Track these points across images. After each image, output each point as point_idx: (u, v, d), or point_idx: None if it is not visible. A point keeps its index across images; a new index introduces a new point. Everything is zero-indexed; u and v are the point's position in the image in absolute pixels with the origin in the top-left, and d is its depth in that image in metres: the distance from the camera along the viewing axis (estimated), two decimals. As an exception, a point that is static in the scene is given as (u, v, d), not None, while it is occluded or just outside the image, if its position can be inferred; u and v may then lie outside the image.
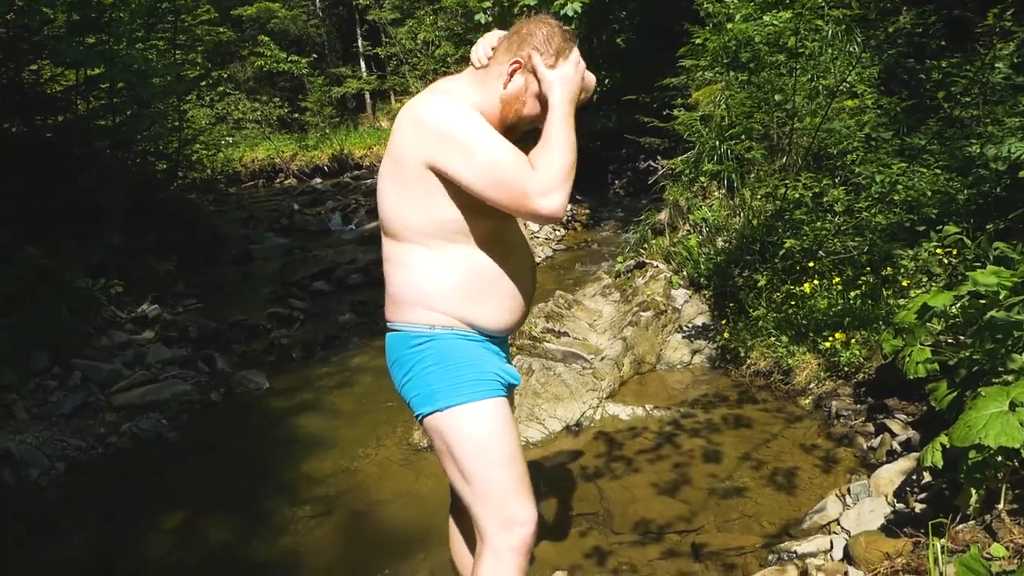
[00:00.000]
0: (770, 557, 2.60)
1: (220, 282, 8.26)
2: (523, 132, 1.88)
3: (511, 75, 1.79)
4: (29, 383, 5.12)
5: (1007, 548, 1.96)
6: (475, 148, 1.66)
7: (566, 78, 1.76)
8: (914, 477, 2.75)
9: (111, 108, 8.64)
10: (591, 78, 1.91)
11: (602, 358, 4.42)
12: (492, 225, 1.81)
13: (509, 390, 1.95)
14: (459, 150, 1.66)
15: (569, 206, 10.46)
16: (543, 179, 1.64)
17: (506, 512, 1.79)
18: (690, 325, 4.91)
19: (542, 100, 1.79)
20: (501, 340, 1.96)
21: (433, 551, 2.93)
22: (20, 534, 3.58)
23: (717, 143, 5.72)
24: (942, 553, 1.97)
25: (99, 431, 4.66)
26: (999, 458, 2.18)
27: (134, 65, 7.94)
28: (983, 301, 2.95)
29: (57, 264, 6.30)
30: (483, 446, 1.80)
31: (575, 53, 1.80)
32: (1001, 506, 2.14)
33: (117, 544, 3.38)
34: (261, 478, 3.89)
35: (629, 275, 5.61)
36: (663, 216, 6.18)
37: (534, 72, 1.77)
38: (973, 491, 2.24)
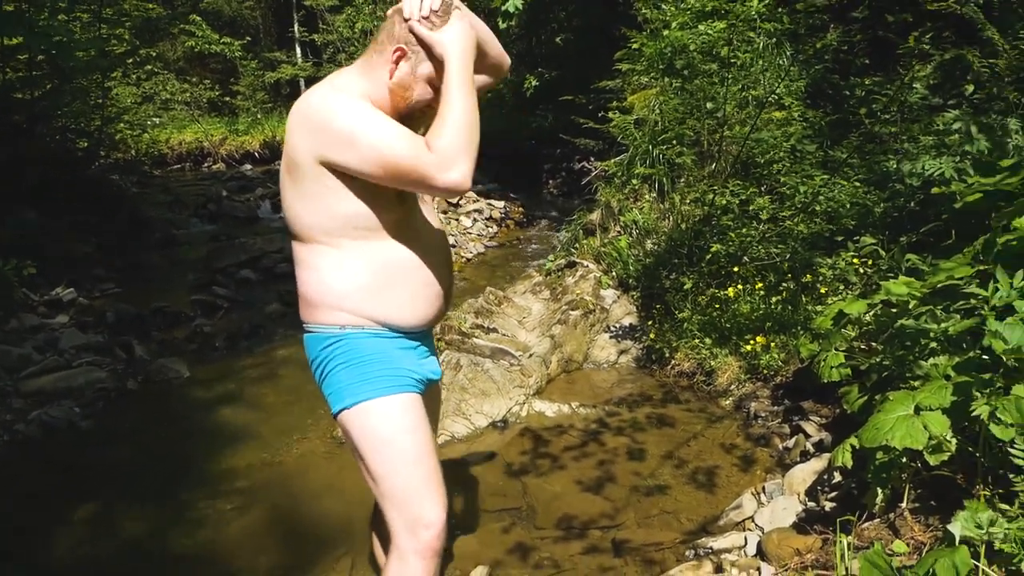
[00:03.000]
0: (687, 553, 2.67)
1: (142, 267, 8.02)
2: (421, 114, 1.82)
3: (396, 62, 1.74)
4: (-70, 366, 4.88)
5: (908, 544, 2.05)
6: (361, 137, 1.62)
7: (456, 35, 1.70)
8: (825, 477, 2.85)
9: (29, 81, 8.28)
10: (493, 39, 1.88)
11: (530, 355, 4.46)
12: (395, 217, 1.78)
13: (428, 386, 1.94)
14: (346, 142, 1.63)
15: (502, 204, 10.51)
16: (440, 154, 1.60)
17: (412, 513, 1.77)
18: (618, 325, 4.99)
19: (432, 83, 1.75)
20: (422, 335, 1.94)
21: (355, 546, 2.90)
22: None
23: (650, 147, 5.82)
24: (848, 549, 2.05)
25: (5, 418, 4.46)
26: (904, 459, 2.29)
27: (55, 36, 7.63)
28: (894, 310, 3.09)
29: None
30: (388, 443, 1.78)
31: (458, 6, 1.74)
32: (904, 504, 2.24)
33: (22, 537, 3.24)
34: (179, 470, 3.79)
35: (559, 274, 5.66)
36: (595, 217, 6.26)
37: (420, 43, 1.71)
38: (879, 490, 2.34)
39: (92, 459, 4.03)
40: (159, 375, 5.10)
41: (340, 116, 1.64)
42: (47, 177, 7.78)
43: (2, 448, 4.16)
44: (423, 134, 1.67)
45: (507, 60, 2.03)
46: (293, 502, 3.37)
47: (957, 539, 1.77)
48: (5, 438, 4.26)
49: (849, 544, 2.06)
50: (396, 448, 1.77)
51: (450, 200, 9.61)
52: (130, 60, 11.66)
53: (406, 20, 1.71)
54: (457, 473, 3.43)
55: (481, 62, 1.88)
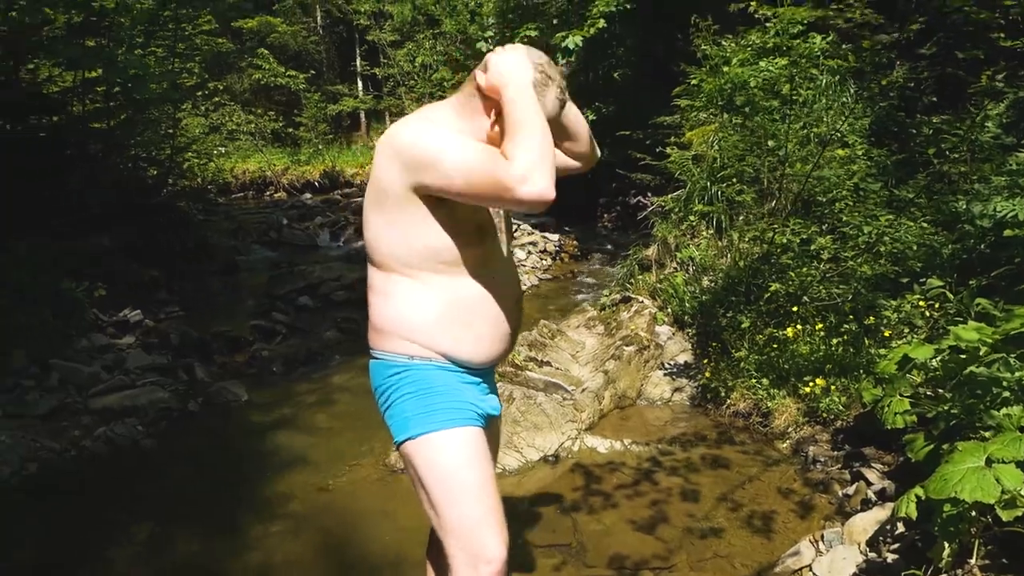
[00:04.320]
0: (743, 599, 2.60)
1: (204, 291, 8.20)
2: None
3: (497, 116, 1.76)
4: (6, 381, 5.05)
5: (978, 603, 1.97)
6: (444, 156, 1.65)
7: (507, 66, 1.72)
8: (888, 527, 2.76)
9: (106, 111, 8.63)
10: (577, 114, 1.92)
11: (583, 390, 4.43)
12: (475, 253, 1.81)
13: (489, 422, 1.95)
14: (432, 163, 1.66)
15: (557, 237, 10.52)
16: (517, 165, 1.60)
17: (473, 547, 1.76)
18: (672, 362, 4.94)
19: None
20: (484, 372, 1.95)
21: (405, 575, 2.90)
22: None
23: (708, 184, 5.79)
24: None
25: (74, 434, 4.60)
26: (973, 513, 2.20)
27: (132, 70, 7.96)
28: (963, 356, 2.99)
29: (42, 263, 6.26)
30: (452, 475, 1.78)
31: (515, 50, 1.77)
32: (974, 561, 2.16)
33: (85, 550, 3.32)
34: (234, 491, 3.85)
35: (614, 309, 5.63)
36: (651, 252, 6.23)
37: (480, 92, 1.75)
38: (946, 544, 2.26)
39: (152, 477, 4.13)
40: (219, 397, 5.21)
41: (425, 140, 1.68)
42: (119, 203, 8.06)
43: (70, 462, 4.29)
44: None
45: (597, 153, 2.09)
46: (345, 529, 3.39)
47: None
48: (73, 453, 4.40)
49: (915, 599, 1.98)
50: (459, 481, 1.78)
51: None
52: (200, 92, 12.08)
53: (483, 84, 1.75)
54: (508, 507, 3.37)
55: (574, 148, 1.99)
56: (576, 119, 1.95)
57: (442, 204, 1.72)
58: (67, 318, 6.07)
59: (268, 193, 18.47)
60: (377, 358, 1.87)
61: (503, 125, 1.73)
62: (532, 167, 1.61)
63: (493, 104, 1.76)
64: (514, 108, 1.68)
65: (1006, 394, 2.48)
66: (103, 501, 3.85)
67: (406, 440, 1.81)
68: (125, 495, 3.92)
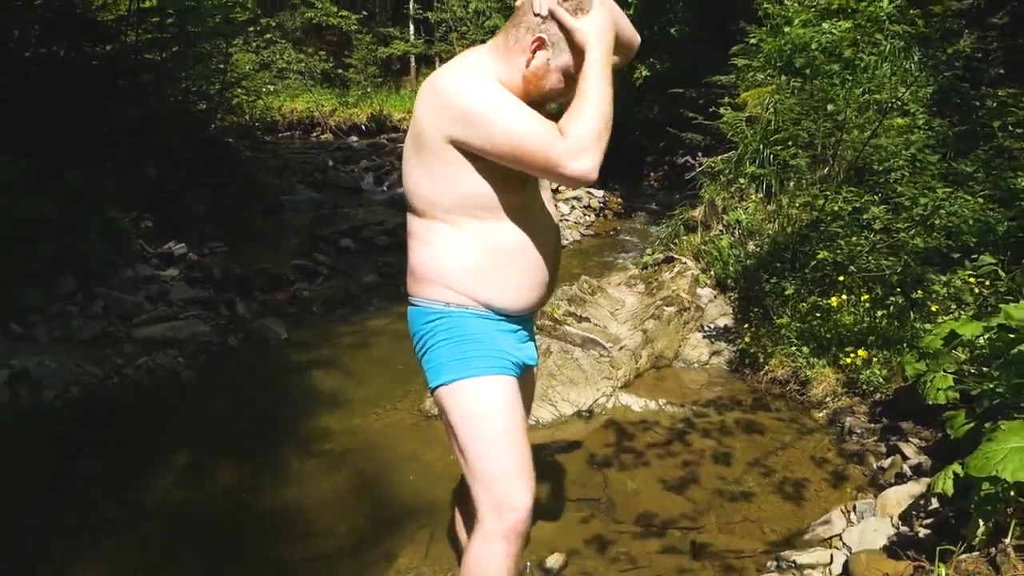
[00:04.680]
0: (769, 564, 2.60)
1: (248, 229, 8.29)
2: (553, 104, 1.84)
3: (534, 52, 1.74)
4: (53, 307, 5.19)
5: (1011, 584, 1.95)
6: (495, 119, 1.63)
7: (599, 25, 1.70)
8: (922, 502, 2.73)
9: (159, 42, 8.66)
10: (627, 23, 1.87)
11: (620, 348, 4.42)
12: (516, 200, 1.79)
13: (524, 371, 1.95)
14: (479, 123, 1.64)
15: (602, 193, 10.42)
16: (572, 141, 1.60)
17: (499, 494, 1.77)
18: (712, 325, 4.90)
19: (566, 73, 1.75)
20: (523, 319, 1.94)
21: (434, 518, 2.95)
22: (30, 452, 3.66)
23: (760, 146, 5.66)
24: (946, 581, 1.97)
25: (116, 361, 4.72)
26: (1012, 492, 2.17)
27: (186, 1, 7.97)
28: (1012, 335, 2.91)
29: (92, 192, 6.36)
30: (482, 422, 1.79)
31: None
32: (1008, 540, 2.13)
33: (125, 473, 3.44)
34: (271, 427, 3.94)
35: (656, 268, 5.59)
36: (697, 213, 6.14)
37: (561, 29, 1.71)
38: (981, 522, 2.23)
39: (192, 409, 4.25)
40: (258, 334, 5.30)
41: (474, 96, 1.65)
42: (168, 135, 8.14)
43: (113, 389, 4.42)
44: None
45: (637, 39, 2.01)
46: (378, 469, 3.46)
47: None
48: (115, 380, 4.53)
49: (946, 575, 1.97)
50: (490, 427, 1.79)
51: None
52: (251, 28, 12.08)
53: (542, 17, 1.71)
54: (539, 459, 3.41)
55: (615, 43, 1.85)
56: (616, 8, 1.86)
57: (480, 155, 1.70)
58: (113, 247, 6.18)
59: (315, 134, 18.55)
60: (415, 304, 1.88)
61: (560, 90, 1.75)
62: (586, 147, 1.60)
63: (539, 45, 1.73)
64: (592, 78, 1.66)
65: (1057, 377, 2.42)
66: (143, 428, 3.97)
67: (440, 385, 1.82)
68: (165, 424, 4.03)
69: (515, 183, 1.77)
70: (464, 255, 1.79)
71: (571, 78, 1.75)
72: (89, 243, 5.91)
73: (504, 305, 1.85)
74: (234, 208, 8.53)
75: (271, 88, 18.06)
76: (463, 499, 2.18)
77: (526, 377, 2.03)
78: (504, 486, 1.78)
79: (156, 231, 6.79)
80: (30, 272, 5.26)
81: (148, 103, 8.12)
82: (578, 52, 1.72)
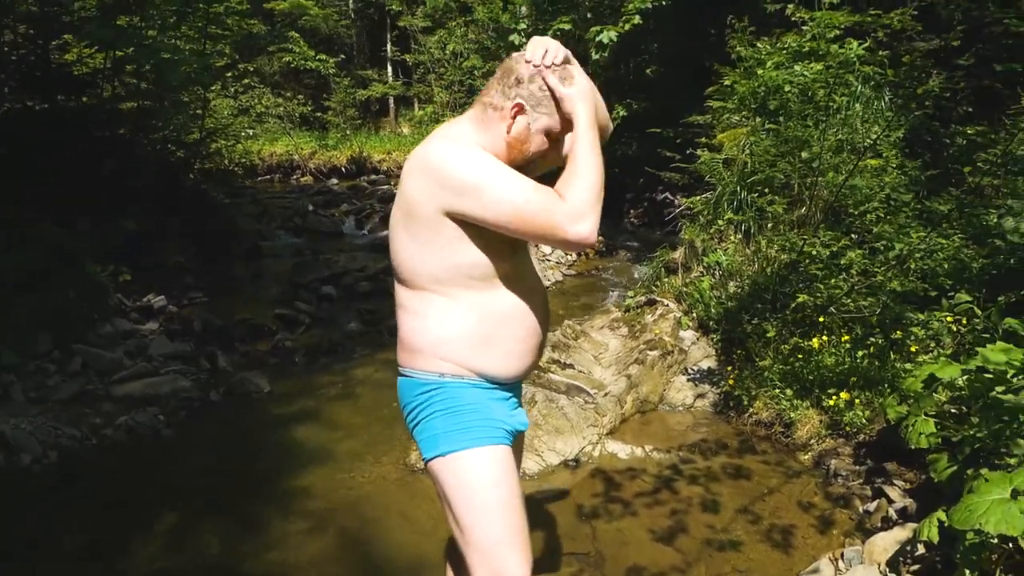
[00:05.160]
0: (760, 618, 2.60)
1: (229, 277, 8.25)
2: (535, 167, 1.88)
3: (514, 117, 1.78)
4: (29, 365, 5.12)
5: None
6: (490, 187, 1.65)
7: (583, 93, 1.76)
8: (908, 548, 2.74)
9: (136, 93, 8.68)
10: (603, 105, 1.92)
11: (605, 394, 4.42)
12: (508, 267, 1.81)
13: (515, 437, 1.95)
14: (472, 193, 1.66)
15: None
16: (571, 206, 1.63)
17: (496, 566, 1.77)
18: (696, 368, 4.92)
19: (549, 134, 1.80)
20: (514, 386, 1.96)
21: (422, 577, 2.92)
22: (6, 519, 3.58)
23: (738, 188, 5.74)
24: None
25: (95, 421, 4.66)
26: (995, 541, 2.19)
27: (163, 52, 8.00)
28: (990, 376, 2.95)
29: (68, 245, 6.32)
30: (479, 494, 1.79)
31: (578, 68, 1.81)
32: (996, 591, 2.14)
33: (104, 541, 3.37)
34: (255, 485, 3.88)
35: (639, 311, 5.62)
36: (677, 255, 6.19)
37: (551, 95, 1.76)
38: (967, 572, 2.24)
39: (173, 468, 4.17)
40: (240, 387, 5.25)
41: (466, 166, 1.68)
42: (146, 186, 8.12)
43: (91, 450, 4.35)
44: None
45: (611, 126, 2.05)
46: (364, 528, 3.42)
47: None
48: (93, 442, 4.46)
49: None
50: (487, 499, 1.79)
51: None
52: (229, 74, 12.13)
53: (535, 66, 1.76)
54: (527, 512, 3.41)
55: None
56: (602, 111, 1.94)
57: (474, 224, 1.72)
58: (91, 302, 6.13)
59: (295, 177, 18.56)
60: (407, 376, 1.88)
61: (538, 140, 1.79)
62: (585, 211, 1.64)
63: (518, 111, 1.77)
64: (583, 145, 1.71)
65: (1036, 423, 2.44)
66: (123, 492, 3.89)
67: (436, 457, 1.82)
68: (146, 486, 3.96)
69: (507, 251, 1.79)
70: (458, 325, 1.80)
71: (554, 139, 1.80)
72: (66, 298, 5.87)
73: (499, 373, 1.86)
74: (214, 257, 8.51)
75: (250, 133, 18.11)
76: (456, 564, 2.16)
77: (516, 442, 2.03)
78: (501, 556, 1.77)
79: (135, 284, 6.74)
80: (5, 330, 5.20)
81: (125, 154, 8.11)
82: (564, 118, 1.77)
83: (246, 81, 18.40)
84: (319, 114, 21.96)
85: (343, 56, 23.21)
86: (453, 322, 1.80)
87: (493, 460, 1.81)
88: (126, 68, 8.44)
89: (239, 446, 4.45)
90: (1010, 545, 2.23)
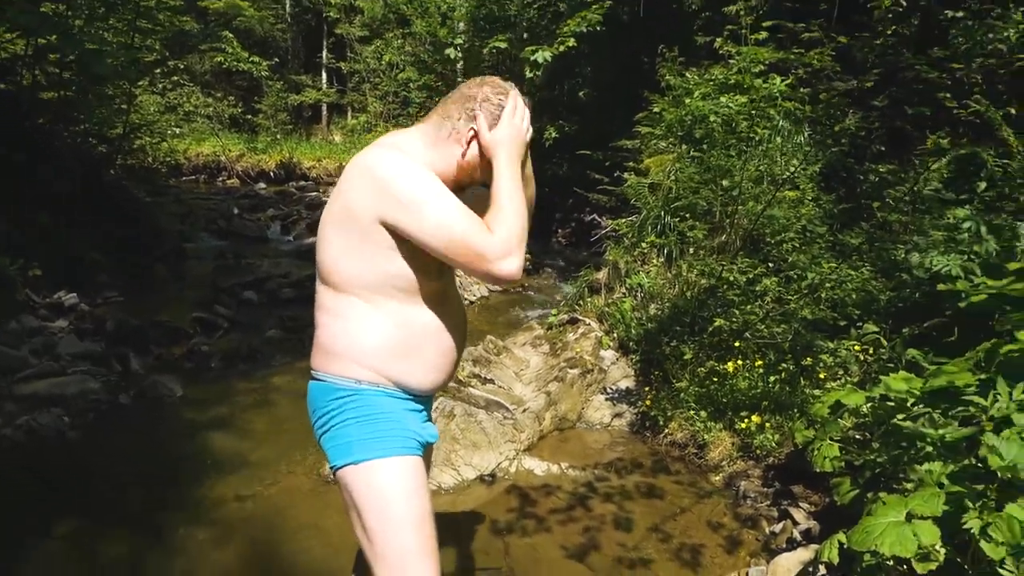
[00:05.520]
0: (665, 635, 2.64)
1: (147, 278, 7.98)
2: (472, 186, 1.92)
3: (469, 143, 1.81)
4: (-74, 361, 4.87)
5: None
6: (429, 210, 1.66)
7: (508, 137, 1.78)
8: (811, 569, 2.83)
9: (58, 83, 8.37)
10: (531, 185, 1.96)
11: (524, 410, 4.45)
12: (436, 285, 1.83)
13: (425, 448, 1.95)
14: (413, 210, 1.67)
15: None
16: (498, 242, 1.65)
17: None
18: (614, 387, 4.99)
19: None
20: (427, 399, 1.97)
21: (331, 591, 2.87)
22: None
23: (662, 212, 5.87)
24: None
25: (-6, 421, 4.45)
26: (891, 562, 2.28)
27: (88, 43, 7.74)
28: (892, 404, 3.09)
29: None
30: (390, 504, 1.77)
31: (513, 99, 1.83)
32: (888, 610, 2.22)
33: (-2, 545, 3.22)
34: (162, 492, 3.76)
35: (561, 329, 5.67)
36: (601, 275, 6.28)
37: (476, 138, 1.81)
38: (864, 593, 2.32)
39: (75, 472, 4.01)
40: (152, 391, 5.09)
41: (411, 183, 1.68)
42: (63, 179, 7.82)
43: (-13, 451, 4.14)
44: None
45: (533, 202, 2.07)
46: (273, 539, 3.34)
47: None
48: (-9, 441, 4.25)
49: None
50: (398, 510, 1.77)
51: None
52: (158, 70, 11.83)
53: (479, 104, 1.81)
54: (441, 525, 3.38)
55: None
56: (528, 174, 1.97)
57: (407, 239, 1.73)
58: (-2, 297, 5.87)
59: (221, 179, 18.18)
60: (321, 380, 1.85)
61: (489, 176, 1.78)
62: (512, 246, 1.66)
63: (475, 137, 1.81)
64: (504, 179, 1.74)
65: (929, 449, 2.56)
66: (22, 494, 3.73)
67: (347, 464, 1.79)
68: (46, 489, 3.79)
69: (435, 268, 1.80)
70: (380, 333, 1.79)
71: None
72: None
73: (415, 385, 1.86)
74: (133, 256, 8.23)
75: (177, 131, 17.66)
76: (362, 574, 2.13)
77: (426, 455, 2.02)
78: (411, 569, 1.76)
79: (46, 279, 6.47)
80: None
81: (42, 145, 7.79)
82: (484, 158, 1.81)
83: (175, 78, 17.97)
84: (249, 116, 21.61)
85: (277, 60, 22.93)
86: (374, 329, 1.79)
87: (406, 470, 1.80)
88: (49, 57, 8.12)
89: (148, 452, 4.30)
90: (905, 567, 2.32)
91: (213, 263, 8.98)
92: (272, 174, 18.21)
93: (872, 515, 2.24)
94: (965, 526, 2.06)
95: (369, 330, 1.79)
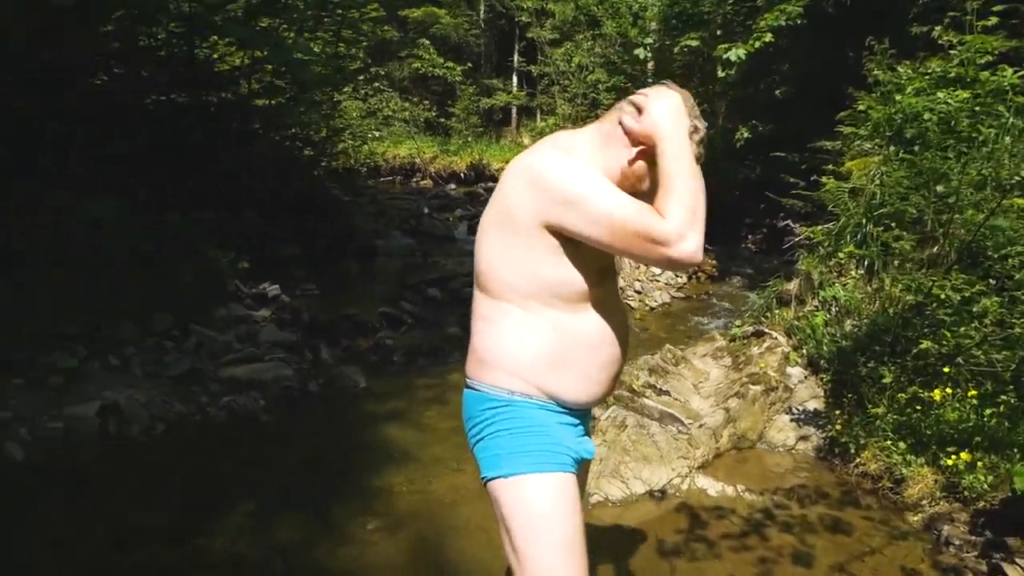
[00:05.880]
0: None
1: (341, 273, 8.47)
2: None
3: (639, 153, 1.72)
4: (148, 341, 5.39)
5: None
6: (592, 203, 1.59)
7: (664, 115, 1.68)
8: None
9: (270, 91, 9.06)
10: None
11: (700, 425, 4.22)
12: (597, 292, 1.74)
13: (581, 466, 1.86)
14: (576, 205, 1.59)
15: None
16: (672, 224, 1.55)
17: None
18: (801, 408, 4.63)
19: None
20: (584, 413, 1.88)
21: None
22: (103, 485, 3.77)
23: (864, 220, 5.39)
24: None
25: (201, 399, 4.86)
26: None
27: (296, 52, 8.31)
28: None
29: (193, 234, 6.64)
30: (540, 522, 1.69)
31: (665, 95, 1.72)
32: None
33: (192, 516, 3.50)
34: (339, 479, 3.94)
35: (745, 342, 5.36)
36: (792, 286, 5.88)
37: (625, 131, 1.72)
38: None
39: (265, 453, 4.30)
40: (339, 381, 5.37)
41: (571, 178, 1.62)
42: (273, 180, 8.45)
43: (194, 427, 4.55)
44: None
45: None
46: (439, 535, 3.39)
47: None
48: (198, 418, 4.67)
49: None
50: (547, 528, 1.69)
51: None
52: (361, 77, 12.52)
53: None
54: (605, 539, 3.30)
55: None
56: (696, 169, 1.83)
57: (571, 241, 1.65)
58: (210, 287, 6.42)
59: (415, 180, 19.02)
60: (475, 389, 1.81)
61: (654, 175, 1.68)
62: (687, 226, 1.56)
63: (638, 143, 1.71)
64: (672, 163, 1.63)
65: None
66: (217, 469, 4.04)
67: (496, 478, 1.74)
68: (238, 468, 4.08)
69: (599, 275, 1.73)
70: (536, 343, 1.73)
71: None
72: (187, 282, 6.15)
73: (571, 398, 1.78)
74: (328, 251, 8.74)
75: (376, 134, 18.66)
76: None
77: (581, 472, 1.92)
78: None
79: (252, 272, 7.00)
80: (125, 304, 5.50)
81: (255, 148, 8.47)
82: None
83: (376, 84, 18.97)
84: (443, 120, 22.45)
85: (470, 64, 23.63)
86: (530, 338, 1.72)
87: (557, 487, 1.71)
88: (266, 68, 8.79)
89: (330, 439, 4.54)
90: None
91: (402, 261, 9.38)
92: (462, 175, 18.82)
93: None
94: None
95: (524, 339, 1.72)
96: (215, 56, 8.71)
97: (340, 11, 9.38)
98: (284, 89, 9.15)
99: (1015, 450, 3.54)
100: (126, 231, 6.00)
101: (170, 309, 5.75)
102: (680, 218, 1.55)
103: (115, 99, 7.32)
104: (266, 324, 6.29)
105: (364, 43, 11.41)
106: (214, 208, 7.25)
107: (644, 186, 1.75)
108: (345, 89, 12.06)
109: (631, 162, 1.73)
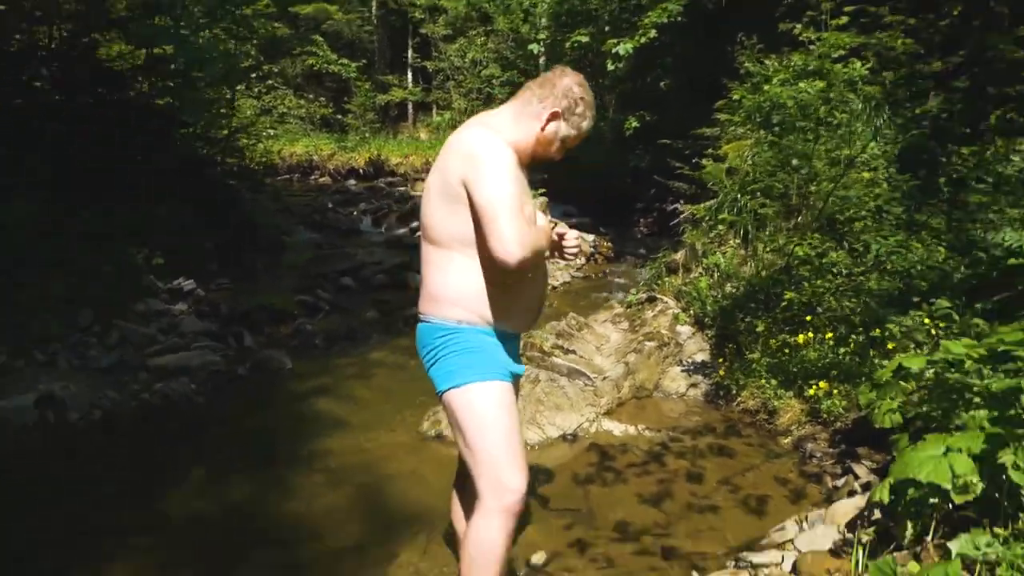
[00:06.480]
0: (729, 563, 2.92)
1: (251, 267, 8.60)
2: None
3: (548, 120, 2.24)
4: (73, 337, 5.51)
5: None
6: (488, 183, 2.05)
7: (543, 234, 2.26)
8: (866, 512, 3.05)
9: (169, 90, 9.08)
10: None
11: (604, 378, 4.76)
12: None
13: (515, 380, 2.34)
14: (479, 177, 2.06)
15: (592, 238, 10.77)
16: (522, 239, 2.03)
17: (500, 478, 2.14)
18: (690, 360, 5.25)
19: (565, 143, 2.30)
20: (513, 339, 2.37)
21: (430, 525, 3.26)
22: (56, 466, 4.00)
23: (738, 195, 6.08)
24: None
25: (133, 387, 5.05)
26: (935, 499, 2.51)
27: (198, 50, 8.40)
28: (951, 367, 3.27)
29: (107, 231, 6.72)
30: (486, 418, 2.17)
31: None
32: (930, 538, 2.46)
33: (144, 485, 3.77)
34: (278, 447, 4.26)
35: (640, 307, 5.96)
36: (679, 256, 6.53)
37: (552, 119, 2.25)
38: (909, 523, 2.56)
39: (205, 430, 4.58)
40: (266, 364, 5.63)
41: (487, 156, 2.09)
42: (177, 178, 8.51)
43: (131, 412, 4.74)
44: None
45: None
46: (378, 484, 3.77)
47: (954, 554, 2.02)
48: (133, 404, 4.85)
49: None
50: (492, 422, 2.16)
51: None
52: (254, 75, 12.53)
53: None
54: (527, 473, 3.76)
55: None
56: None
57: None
58: (127, 283, 6.53)
59: (313, 177, 19.00)
60: (428, 321, 2.25)
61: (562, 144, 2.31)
62: (526, 249, 2.05)
63: (554, 117, 2.25)
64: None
65: (977, 399, 2.77)
66: (160, 447, 4.31)
67: (450, 388, 2.19)
68: (180, 443, 4.37)
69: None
70: (477, 281, 2.18)
71: (566, 148, 2.31)
72: (103, 277, 6.26)
73: (505, 325, 2.26)
74: (236, 248, 8.87)
75: (271, 132, 18.55)
76: (461, 486, 2.54)
77: (516, 385, 2.39)
78: (504, 470, 2.15)
79: (166, 268, 7.11)
80: (52, 304, 5.60)
81: (157, 148, 8.51)
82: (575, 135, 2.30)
83: (269, 82, 18.86)
84: (339, 117, 22.45)
85: (365, 61, 23.70)
86: (473, 278, 2.18)
87: (498, 392, 2.19)
88: (168, 66, 8.80)
89: (265, 413, 4.83)
90: (949, 505, 2.54)
91: (311, 254, 9.57)
92: (362, 171, 18.93)
93: (915, 450, 2.48)
94: (1000, 461, 2.28)
95: (467, 279, 2.18)
96: (112, 55, 8.69)
97: (230, 7, 9.42)
98: (183, 88, 9.18)
99: (863, 379, 4.21)
100: (40, 232, 6.07)
101: (90, 305, 5.88)
102: (527, 243, 2.04)
103: (13, 101, 7.29)
104: (186, 316, 6.45)
105: (256, 40, 11.45)
106: (127, 206, 7.31)
107: (552, 149, 2.28)
108: (238, 87, 12.09)
109: (543, 128, 2.25)
